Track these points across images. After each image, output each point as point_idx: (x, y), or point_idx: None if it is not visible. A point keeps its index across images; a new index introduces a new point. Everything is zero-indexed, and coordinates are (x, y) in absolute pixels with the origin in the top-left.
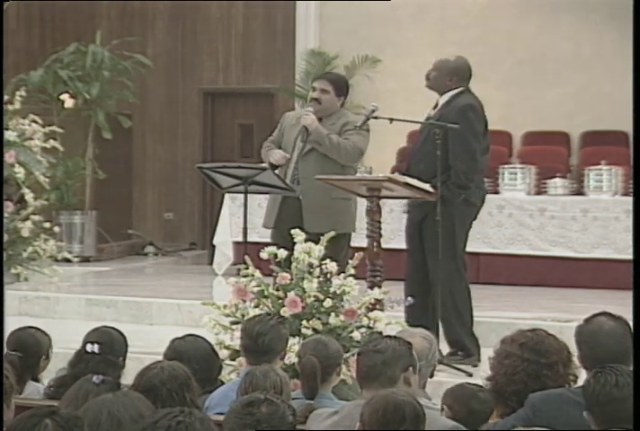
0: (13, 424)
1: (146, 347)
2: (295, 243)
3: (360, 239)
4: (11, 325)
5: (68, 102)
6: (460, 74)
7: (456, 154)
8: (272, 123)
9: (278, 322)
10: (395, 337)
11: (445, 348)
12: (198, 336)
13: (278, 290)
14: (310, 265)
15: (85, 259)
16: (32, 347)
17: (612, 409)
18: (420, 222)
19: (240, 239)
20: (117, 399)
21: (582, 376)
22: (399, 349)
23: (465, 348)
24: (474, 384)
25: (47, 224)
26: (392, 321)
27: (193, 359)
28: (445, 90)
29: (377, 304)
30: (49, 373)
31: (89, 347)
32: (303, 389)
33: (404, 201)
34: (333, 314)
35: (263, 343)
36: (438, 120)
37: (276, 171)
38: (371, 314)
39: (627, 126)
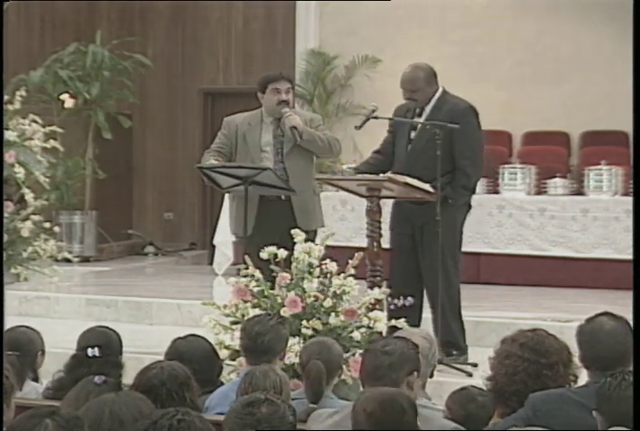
0: (13, 424)
1: (146, 347)
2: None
3: (360, 239)
4: (11, 325)
5: (68, 102)
6: (433, 75)
7: (465, 157)
8: None
9: (277, 322)
10: (403, 338)
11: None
12: (200, 336)
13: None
14: (310, 265)
15: (85, 259)
16: (27, 344)
17: (624, 409)
18: (423, 225)
19: None
20: (118, 398)
21: (583, 376)
22: (407, 353)
23: (459, 348)
24: (478, 388)
25: (47, 224)
26: (392, 321)
27: (194, 359)
28: (429, 97)
29: (377, 304)
30: (48, 374)
31: (90, 352)
32: (307, 392)
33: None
34: (333, 314)
35: (263, 343)
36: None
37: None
38: (371, 314)
39: (627, 126)
